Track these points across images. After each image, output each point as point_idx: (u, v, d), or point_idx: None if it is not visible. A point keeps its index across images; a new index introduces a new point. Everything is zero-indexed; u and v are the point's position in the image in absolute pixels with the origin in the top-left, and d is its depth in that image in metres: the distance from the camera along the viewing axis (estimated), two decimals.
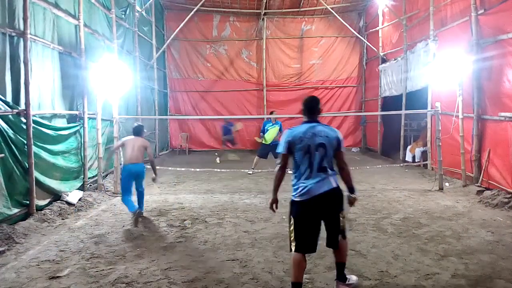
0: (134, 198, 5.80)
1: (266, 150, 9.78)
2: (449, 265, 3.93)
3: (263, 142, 9.88)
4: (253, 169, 9.72)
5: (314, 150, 3.22)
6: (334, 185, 3.25)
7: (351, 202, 3.41)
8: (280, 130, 9.87)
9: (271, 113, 10.62)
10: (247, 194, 7.45)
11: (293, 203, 3.30)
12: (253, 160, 9.89)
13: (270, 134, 9.72)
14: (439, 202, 6.59)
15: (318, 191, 3.18)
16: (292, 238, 3.25)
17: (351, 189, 3.39)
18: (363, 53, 15.57)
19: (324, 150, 3.22)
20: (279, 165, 3.35)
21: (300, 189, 3.23)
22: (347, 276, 3.49)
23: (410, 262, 4.02)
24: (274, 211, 3.50)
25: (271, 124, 9.83)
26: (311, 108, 3.41)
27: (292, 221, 3.27)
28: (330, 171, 3.27)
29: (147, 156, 5.94)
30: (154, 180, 6.01)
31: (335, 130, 3.39)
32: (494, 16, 6.95)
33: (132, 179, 5.75)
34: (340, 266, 3.47)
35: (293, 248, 3.23)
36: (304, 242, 3.20)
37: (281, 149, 3.33)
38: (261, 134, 10.20)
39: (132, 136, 6.02)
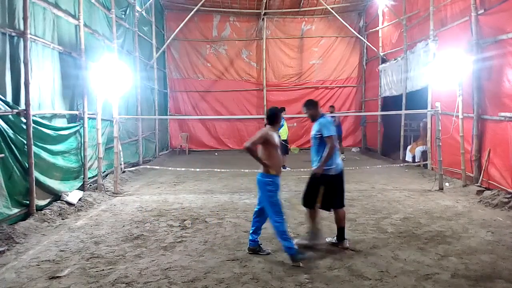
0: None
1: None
2: (449, 265, 3.93)
3: None
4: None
5: None
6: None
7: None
8: (281, 126, 9.92)
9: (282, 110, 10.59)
10: (247, 194, 7.45)
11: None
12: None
13: (281, 132, 9.81)
14: (439, 202, 6.59)
15: None
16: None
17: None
18: (363, 53, 15.57)
19: None
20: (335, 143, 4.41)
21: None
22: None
23: (410, 262, 4.03)
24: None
25: None
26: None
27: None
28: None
29: None
30: None
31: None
32: (494, 16, 6.95)
33: None
34: (340, 229, 4.53)
35: (318, 205, 4.47)
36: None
37: (333, 131, 4.42)
38: None
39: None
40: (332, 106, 13.02)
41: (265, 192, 4.20)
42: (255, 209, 4.46)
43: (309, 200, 4.57)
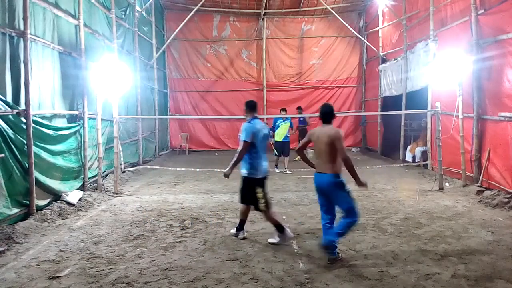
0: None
1: (280, 147, 9.95)
2: (449, 265, 3.93)
3: (275, 140, 10.01)
4: (276, 166, 9.91)
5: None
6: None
7: None
8: (291, 126, 10.16)
9: (284, 110, 10.50)
10: None
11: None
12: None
13: (282, 130, 9.82)
14: (439, 202, 6.59)
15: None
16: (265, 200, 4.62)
17: None
18: (363, 53, 15.58)
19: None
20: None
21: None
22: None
23: (410, 262, 4.03)
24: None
25: (282, 120, 9.89)
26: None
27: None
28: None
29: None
30: None
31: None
32: (494, 16, 6.95)
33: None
34: (242, 222, 4.88)
35: (263, 207, 4.62)
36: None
37: (245, 137, 4.60)
38: (270, 132, 10.35)
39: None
40: (299, 107, 12.96)
41: (342, 191, 4.03)
42: (328, 217, 4.19)
43: (248, 200, 4.74)
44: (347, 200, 4.04)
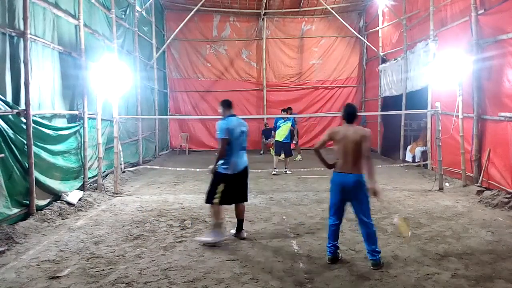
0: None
1: (280, 147, 9.85)
2: (449, 265, 3.93)
3: (275, 139, 9.94)
4: (275, 168, 9.74)
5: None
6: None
7: None
8: (293, 126, 10.00)
9: (286, 110, 10.35)
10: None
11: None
12: (273, 161, 9.92)
13: (283, 131, 9.74)
14: (439, 202, 6.59)
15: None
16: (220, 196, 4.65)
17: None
18: (363, 53, 15.58)
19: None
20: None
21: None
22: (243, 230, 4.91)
23: (410, 262, 4.03)
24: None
25: (283, 121, 9.83)
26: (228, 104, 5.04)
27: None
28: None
29: None
30: None
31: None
32: (494, 16, 6.95)
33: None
34: (240, 222, 4.90)
35: (216, 201, 4.65)
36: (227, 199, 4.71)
37: (222, 134, 4.72)
38: (272, 132, 10.39)
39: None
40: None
41: (366, 192, 3.99)
42: (339, 218, 4.09)
43: (210, 197, 4.74)
44: (368, 201, 4.03)
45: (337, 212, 4.10)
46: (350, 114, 4.19)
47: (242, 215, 4.93)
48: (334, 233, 4.08)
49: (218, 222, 4.73)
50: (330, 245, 4.06)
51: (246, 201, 4.96)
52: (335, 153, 4.12)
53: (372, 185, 3.97)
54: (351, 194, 4.01)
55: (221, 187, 4.67)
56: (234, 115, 4.96)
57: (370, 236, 3.96)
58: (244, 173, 4.87)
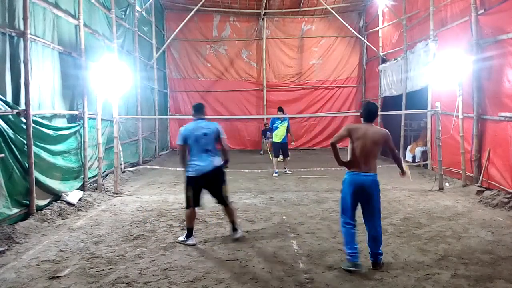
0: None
1: (278, 148, 9.79)
2: (449, 265, 3.93)
3: (274, 141, 9.88)
4: (275, 171, 9.62)
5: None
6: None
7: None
8: (288, 126, 9.83)
9: (282, 110, 10.25)
10: (247, 194, 7.45)
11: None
12: (272, 161, 9.86)
13: (281, 131, 9.69)
14: (439, 202, 6.59)
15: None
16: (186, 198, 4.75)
17: (226, 162, 4.94)
18: (363, 53, 15.58)
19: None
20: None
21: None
22: (237, 229, 4.89)
23: (410, 262, 4.03)
24: None
25: (280, 121, 9.76)
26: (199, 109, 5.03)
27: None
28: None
29: None
30: None
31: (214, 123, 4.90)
32: (494, 16, 6.95)
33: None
34: (233, 223, 4.89)
35: (185, 205, 4.77)
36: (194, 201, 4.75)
37: (178, 140, 4.83)
38: (268, 133, 10.26)
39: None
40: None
41: (378, 193, 3.91)
42: (353, 218, 3.95)
43: (187, 201, 4.80)
44: (380, 202, 3.99)
45: (352, 213, 3.92)
46: (371, 112, 3.99)
47: (231, 216, 4.89)
48: (355, 235, 3.89)
49: (188, 227, 4.75)
50: (355, 249, 3.82)
51: (226, 204, 4.88)
52: (349, 151, 3.95)
53: (403, 170, 4.29)
54: (367, 194, 3.87)
55: (189, 190, 4.74)
56: (201, 119, 4.95)
57: (376, 240, 3.89)
58: (213, 175, 4.73)
